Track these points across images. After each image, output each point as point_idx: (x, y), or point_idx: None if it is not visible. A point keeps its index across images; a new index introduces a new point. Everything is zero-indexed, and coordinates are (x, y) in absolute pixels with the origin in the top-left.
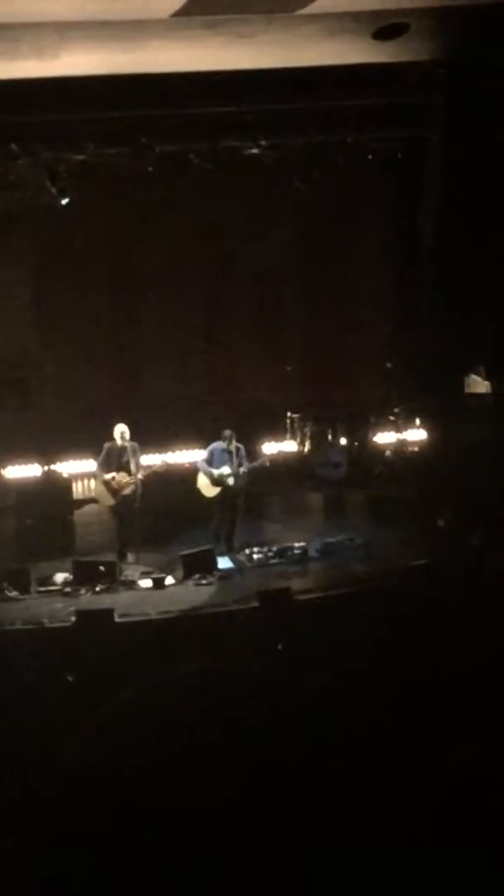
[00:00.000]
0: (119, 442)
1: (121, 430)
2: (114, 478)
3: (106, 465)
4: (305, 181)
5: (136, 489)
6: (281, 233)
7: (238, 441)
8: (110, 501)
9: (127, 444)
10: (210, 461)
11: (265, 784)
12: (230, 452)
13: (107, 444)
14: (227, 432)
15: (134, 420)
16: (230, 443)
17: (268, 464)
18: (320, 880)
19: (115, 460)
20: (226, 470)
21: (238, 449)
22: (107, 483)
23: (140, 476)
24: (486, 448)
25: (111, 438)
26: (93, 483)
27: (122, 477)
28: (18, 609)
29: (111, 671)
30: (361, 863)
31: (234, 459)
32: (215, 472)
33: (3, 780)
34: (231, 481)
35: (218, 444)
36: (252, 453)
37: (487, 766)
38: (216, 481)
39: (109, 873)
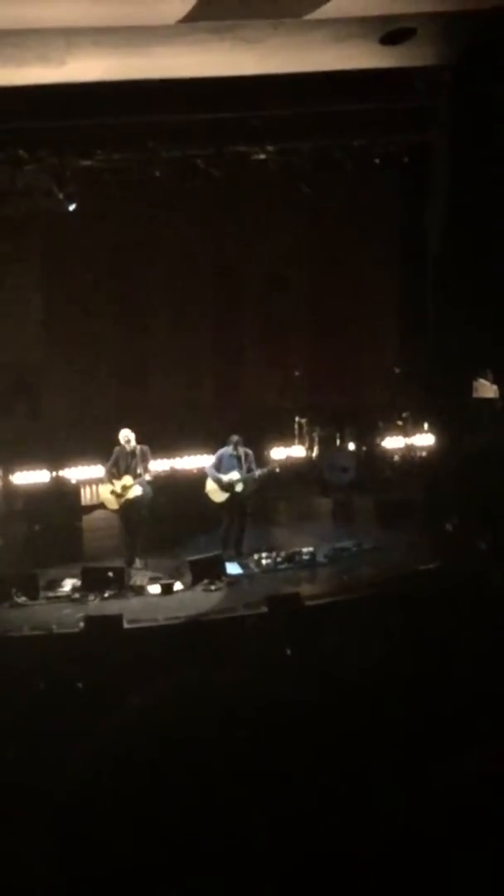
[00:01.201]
0: (127, 447)
1: (126, 436)
2: (121, 484)
3: (114, 469)
4: (312, 186)
5: (144, 494)
6: (287, 237)
7: (246, 446)
8: (116, 506)
9: (136, 448)
10: (218, 466)
11: (274, 788)
12: (238, 458)
13: (117, 448)
14: (235, 438)
15: (142, 426)
16: (238, 448)
17: (277, 469)
18: (332, 883)
19: (123, 464)
20: (234, 475)
21: (246, 454)
22: (111, 490)
23: (146, 477)
24: (493, 452)
25: (120, 443)
26: (101, 488)
27: (126, 481)
28: (27, 615)
29: (120, 677)
30: (371, 865)
31: (243, 465)
32: (224, 477)
33: (11, 786)
34: (239, 487)
35: (226, 450)
36: (260, 458)
37: (498, 771)
38: (224, 487)
39: (116, 879)
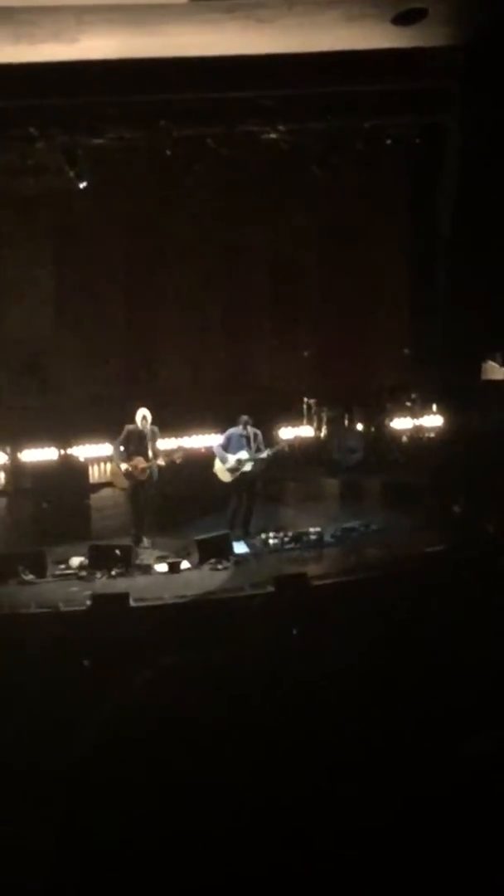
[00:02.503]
0: (140, 425)
1: (143, 414)
2: (132, 463)
3: (124, 447)
4: (323, 167)
5: (153, 473)
6: (298, 218)
7: (255, 426)
8: (125, 484)
9: (147, 428)
10: (227, 446)
11: (278, 766)
12: (247, 438)
13: (127, 426)
14: (244, 417)
15: (151, 405)
16: (247, 428)
17: (286, 449)
18: (329, 865)
19: (134, 443)
20: (243, 455)
21: (255, 434)
22: (125, 468)
23: (158, 461)
24: (502, 435)
25: (130, 422)
26: (109, 467)
27: (138, 461)
28: (34, 592)
29: (126, 655)
30: (372, 848)
31: (251, 444)
32: (232, 457)
33: (18, 763)
34: (248, 467)
35: (235, 430)
36: (269, 438)
37: (501, 752)
38: (233, 467)
39: (120, 858)
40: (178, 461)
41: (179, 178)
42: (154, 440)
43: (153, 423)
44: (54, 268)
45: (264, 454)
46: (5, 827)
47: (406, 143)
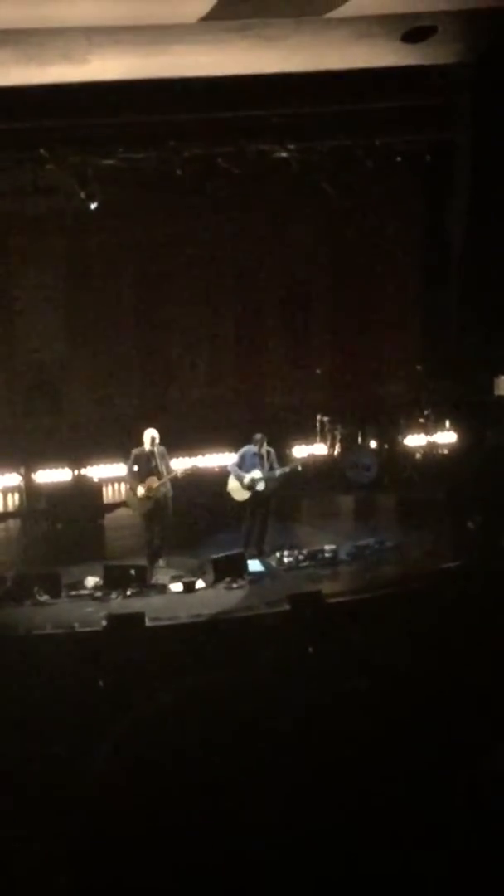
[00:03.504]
0: (148, 447)
1: (151, 435)
2: (146, 484)
3: (135, 471)
4: (333, 184)
5: (167, 493)
6: (309, 236)
7: (268, 444)
8: (142, 508)
9: (155, 448)
10: (241, 465)
11: (296, 786)
12: (261, 456)
13: (135, 451)
14: (258, 436)
15: (164, 424)
16: (261, 447)
17: (300, 468)
18: (356, 879)
19: (144, 465)
20: (257, 474)
21: (269, 453)
22: (141, 493)
23: (170, 480)
24: None
25: (140, 443)
26: (123, 487)
27: (152, 482)
28: (49, 613)
29: (142, 675)
30: (394, 860)
31: (265, 463)
32: (246, 476)
33: (34, 783)
34: (262, 486)
35: (249, 448)
36: (283, 457)
37: None
38: (247, 485)
39: (137, 878)
40: (188, 474)
41: (190, 198)
42: (164, 460)
43: (165, 442)
44: (65, 288)
45: (278, 473)
46: (21, 845)
47: (416, 159)
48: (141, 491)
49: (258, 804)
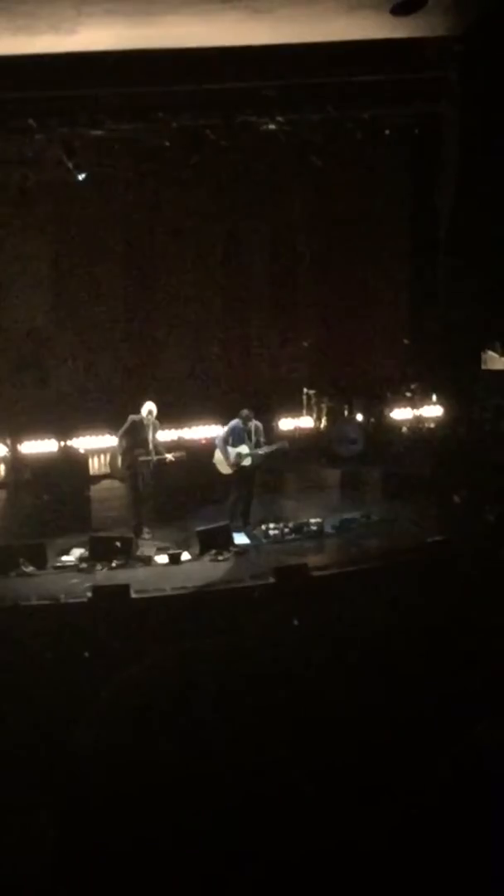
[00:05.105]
0: (145, 419)
1: (149, 409)
2: (133, 453)
3: (127, 438)
4: (322, 157)
5: (151, 464)
6: (297, 208)
7: (255, 418)
8: (124, 475)
9: (151, 421)
10: (228, 439)
11: (279, 756)
12: (248, 432)
13: (132, 417)
14: (245, 412)
15: (151, 397)
16: (248, 423)
17: (287, 446)
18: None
19: (137, 435)
20: (244, 449)
21: (256, 428)
22: (127, 459)
23: (158, 456)
24: (502, 424)
25: (134, 412)
26: (108, 457)
27: (139, 452)
28: (34, 585)
29: (127, 647)
30: (373, 839)
31: (252, 438)
32: (233, 451)
33: (19, 756)
34: (247, 461)
35: (236, 423)
36: (269, 430)
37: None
38: (233, 461)
39: (122, 848)
40: (172, 460)
41: (178, 170)
42: (155, 432)
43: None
44: (53, 260)
45: (263, 451)
46: (6, 819)
47: (405, 132)
48: (127, 457)
49: (243, 774)
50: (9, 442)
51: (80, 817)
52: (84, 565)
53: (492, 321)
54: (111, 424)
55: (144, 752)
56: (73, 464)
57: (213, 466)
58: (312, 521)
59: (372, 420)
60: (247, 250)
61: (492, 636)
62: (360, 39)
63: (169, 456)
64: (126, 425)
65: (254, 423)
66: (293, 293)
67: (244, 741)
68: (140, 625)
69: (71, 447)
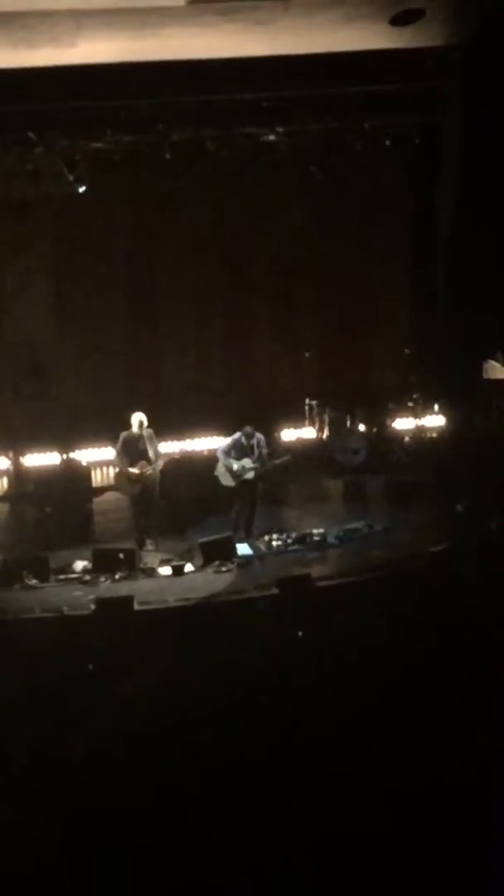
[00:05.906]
0: (136, 430)
1: (139, 419)
2: (137, 468)
3: (124, 455)
4: (322, 168)
5: (154, 477)
6: (298, 220)
7: (257, 429)
8: (131, 490)
9: (144, 431)
10: (229, 452)
11: (282, 768)
12: (251, 447)
13: (123, 434)
14: (248, 429)
15: (153, 408)
16: (251, 438)
17: (290, 460)
18: (336, 860)
19: (134, 449)
20: (246, 462)
21: (258, 441)
22: (129, 474)
23: (160, 464)
24: None
25: (128, 427)
26: (111, 471)
27: (142, 466)
28: (38, 597)
29: (131, 659)
30: (374, 847)
31: (255, 451)
32: (235, 464)
33: (22, 769)
34: (250, 475)
35: (238, 437)
36: (271, 441)
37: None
38: (235, 474)
39: (126, 857)
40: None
41: (178, 181)
42: (153, 443)
43: (154, 426)
44: (54, 272)
45: (268, 466)
46: (8, 829)
47: (405, 143)
48: (134, 471)
49: (246, 784)
50: (11, 455)
51: (78, 832)
52: (87, 577)
53: (493, 331)
54: (113, 436)
55: (147, 764)
56: (75, 476)
57: (215, 479)
58: (315, 531)
59: (374, 430)
60: (248, 261)
61: (495, 645)
62: (360, 50)
63: (278, 461)
64: (119, 443)
65: (256, 438)
66: (295, 303)
67: (247, 751)
68: (144, 636)
69: (73, 460)
